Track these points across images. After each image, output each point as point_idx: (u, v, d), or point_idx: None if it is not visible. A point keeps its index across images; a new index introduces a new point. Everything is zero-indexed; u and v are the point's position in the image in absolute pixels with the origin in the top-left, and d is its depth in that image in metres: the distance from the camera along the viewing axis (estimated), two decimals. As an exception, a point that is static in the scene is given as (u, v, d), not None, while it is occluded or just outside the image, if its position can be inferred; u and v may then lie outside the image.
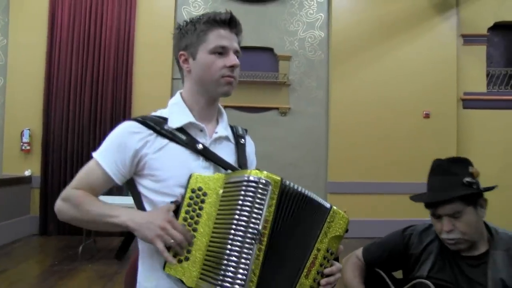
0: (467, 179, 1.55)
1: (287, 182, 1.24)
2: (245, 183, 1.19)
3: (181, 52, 1.45)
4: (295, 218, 1.24)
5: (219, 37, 1.40)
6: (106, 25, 6.87)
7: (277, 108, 7.32)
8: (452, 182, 1.56)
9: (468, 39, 7.53)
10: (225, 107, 6.86)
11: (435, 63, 7.37)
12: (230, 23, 1.42)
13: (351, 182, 7.18)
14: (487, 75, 7.62)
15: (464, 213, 1.52)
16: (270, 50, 7.39)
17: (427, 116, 7.38)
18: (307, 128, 7.35)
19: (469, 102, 7.54)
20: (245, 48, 7.11)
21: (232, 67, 1.39)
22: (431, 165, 1.68)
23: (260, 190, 1.18)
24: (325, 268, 1.30)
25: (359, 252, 1.86)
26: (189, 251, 1.23)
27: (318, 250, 1.27)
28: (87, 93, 6.78)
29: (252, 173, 1.21)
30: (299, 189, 1.26)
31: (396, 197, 7.16)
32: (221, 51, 1.39)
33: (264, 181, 1.19)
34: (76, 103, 6.78)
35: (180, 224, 1.24)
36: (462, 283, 1.55)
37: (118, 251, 1.39)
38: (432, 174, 1.64)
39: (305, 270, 1.25)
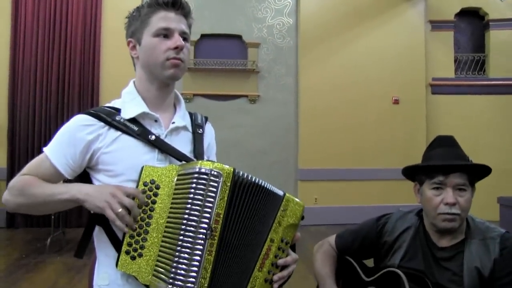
0: (470, 158, 1.56)
1: (240, 173, 1.18)
2: (196, 175, 1.15)
3: (129, 39, 1.41)
4: (249, 210, 1.20)
5: (162, 19, 1.34)
6: (72, 12, 6.75)
7: (246, 96, 7.30)
8: (459, 155, 1.54)
9: (436, 25, 7.61)
10: (194, 95, 6.92)
11: (403, 49, 7.43)
12: (174, 4, 1.35)
13: (321, 168, 7.21)
14: (455, 61, 7.73)
15: (467, 191, 1.51)
16: (238, 37, 7.34)
17: (396, 102, 7.45)
18: (277, 115, 7.35)
19: (438, 88, 7.63)
20: (213, 36, 7.15)
21: (177, 49, 1.33)
22: (434, 140, 1.62)
23: (211, 183, 1.13)
24: (280, 259, 1.26)
25: (332, 239, 1.82)
26: (142, 247, 1.19)
27: (272, 240, 1.23)
28: (53, 81, 6.67)
29: (203, 164, 1.16)
30: (253, 179, 1.20)
31: (367, 183, 7.24)
32: (165, 33, 1.33)
33: (215, 173, 1.14)
34: (42, 92, 6.67)
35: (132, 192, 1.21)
36: (436, 272, 1.54)
37: (77, 249, 1.33)
38: (438, 146, 1.59)
39: (259, 262, 1.21)
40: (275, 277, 1.24)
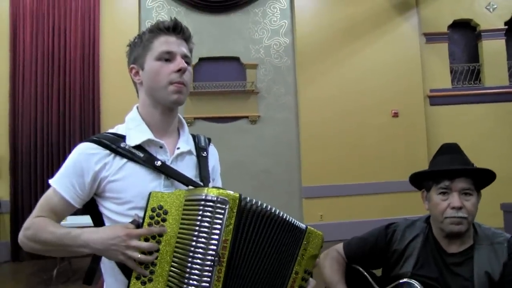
0: (474, 164, 1.60)
1: (247, 199, 1.20)
2: (202, 202, 1.16)
3: (131, 66, 1.43)
4: (260, 237, 1.21)
5: (164, 43, 1.37)
6: (70, 43, 6.82)
7: (247, 117, 7.35)
8: (465, 161, 1.59)
9: (430, 37, 7.71)
10: (195, 118, 6.97)
11: (400, 63, 7.51)
12: (175, 29, 1.38)
13: (325, 185, 7.22)
14: (451, 72, 7.80)
15: (473, 195, 1.55)
16: (236, 59, 7.43)
17: (395, 115, 7.49)
18: (278, 134, 7.39)
19: (436, 99, 7.69)
20: (211, 59, 7.25)
21: (180, 71, 1.35)
22: (440, 148, 1.67)
23: (217, 209, 1.15)
24: None
25: (339, 246, 1.84)
26: (152, 272, 1.19)
27: (297, 273, 1.27)
28: (54, 112, 6.70)
29: (210, 192, 1.17)
30: (263, 206, 1.21)
31: (371, 197, 7.24)
32: (167, 57, 1.36)
33: (221, 199, 1.16)
34: (43, 123, 6.69)
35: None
36: (448, 278, 1.56)
37: (86, 275, 1.35)
38: (443, 153, 1.64)
39: None
40: None
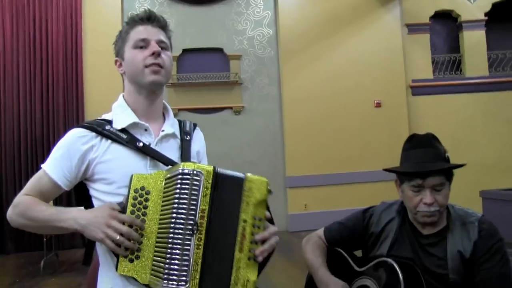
0: (447, 154, 1.62)
1: (220, 171, 1.27)
2: (180, 176, 1.23)
3: (115, 58, 1.52)
4: (226, 201, 1.27)
5: (138, 32, 1.44)
6: (52, 34, 6.76)
7: (230, 108, 7.38)
8: (436, 155, 1.60)
9: (412, 28, 7.80)
10: (178, 110, 6.96)
11: (382, 53, 7.59)
12: (149, 18, 1.46)
13: (309, 175, 7.29)
14: (432, 62, 7.90)
15: (445, 187, 1.58)
16: (220, 50, 7.44)
17: (378, 105, 7.58)
18: (262, 125, 7.44)
19: (418, 89, 7.80)
20: (195, 50, 7.23)
21: (153, 55, 1.41)
22: (408, 139, 1.69)
23: (194, 182, 1.22)
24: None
25: (320, 232, 1.89)
26: (139, 250, 1.26)
27: (245, 221, 1.29)
28: (37, 104, 6.66)
29: (186, 166, 1.25)
30: (230, 173, 1.28)
31: (355, 186, 7.34)
32: (142, 45, 1.43)
33: (196, 172, 1.23)
34: (26, 116, 6.64)
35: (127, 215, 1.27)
36: (423, 258, 1.62)
37: (84, 257, 1.44)
38: (413, 147, 1.64)
39: (237, 245, 1.27)
40: (257, 252, 1.29)
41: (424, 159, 1.59)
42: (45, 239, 5.26)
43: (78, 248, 6.38)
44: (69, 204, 1.40)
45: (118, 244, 1.23)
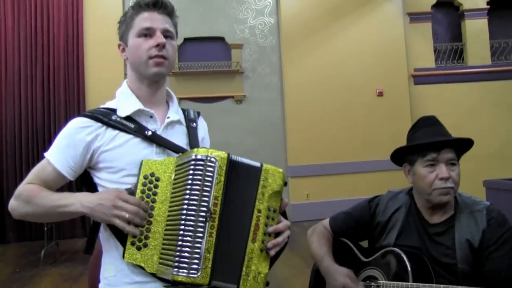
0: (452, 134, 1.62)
1: (234, 157, 1.24)
2: (193, 162, 1.20)
3: (119, 43, 1.47)
4: (241, 189, 1.25)
5: (145, 19, 1.39)
6: (53, 23, 6.72)
7: (232, 97, 7.36)
8: (446, 132, 1.61)
9: (414, 17, 7.75)
10: (180, 99, 6.94)
11: (384, 42, 7.54)
12: (155, 4, 1.40)
13: (311, 164, 7.29)
14: (434, 51, 7.87)
15: (457, 165, 1.59)
16: (221, 39, 7.39)
17: (380, 94, 7.55)
18: (263, 114, 7.42)
19: (420, 78, 7.77)
20: (196, 39, 7.19)
21: (158, 46, 1.37)
22: (418, 121, 1.69)
23: (208, 168, 1.19)
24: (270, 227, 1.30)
25: (326, 222, 1.87)
26: (147, 237, 1.23)
27: (259, 211, 1.26)
28: (38, 93, 6.63)
29: (199, 152, 1.22)
30: (245, 161, 1.26)
31: (357, 175, 7.34)
32: (147, 33, 1.39)
33: (211, 158, 1.20)
34: (27, 107, 6.62)
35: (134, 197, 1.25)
36: (430, 247, 1.60)
37: (86, 245, 1.39)
38: (422, 127, 1.65)
39: (251, 235, 1.25)
40: (269, 244, 1.26)
41: (436, 134, 1.59)
42: (45, 228, 5.25)
43: (78, 238, 6.41)
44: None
45: (128, 222, 1.21)
